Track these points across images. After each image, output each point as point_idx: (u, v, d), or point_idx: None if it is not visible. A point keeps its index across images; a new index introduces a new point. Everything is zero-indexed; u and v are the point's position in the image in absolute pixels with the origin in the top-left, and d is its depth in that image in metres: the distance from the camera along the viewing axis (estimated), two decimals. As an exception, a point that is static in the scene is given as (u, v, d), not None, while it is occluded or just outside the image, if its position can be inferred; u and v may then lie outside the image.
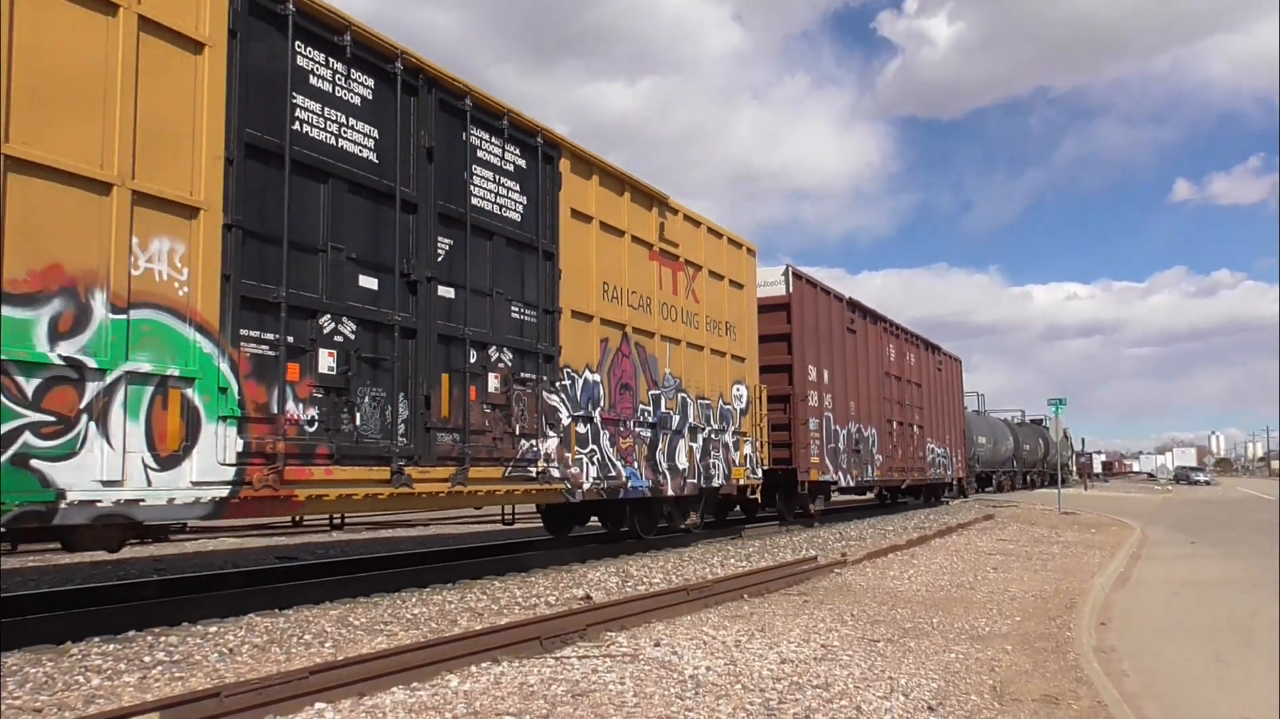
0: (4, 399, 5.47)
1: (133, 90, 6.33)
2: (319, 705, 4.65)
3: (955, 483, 29.17)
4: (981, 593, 9.47)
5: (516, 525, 18.73)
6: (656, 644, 6.33)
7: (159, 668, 5.56)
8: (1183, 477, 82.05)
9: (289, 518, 17.70)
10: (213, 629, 6.73)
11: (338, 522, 18.47)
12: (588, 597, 8.55)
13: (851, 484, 19.89)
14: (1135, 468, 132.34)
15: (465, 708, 4.69)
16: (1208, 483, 74.59)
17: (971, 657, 6.31)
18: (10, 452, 5.47)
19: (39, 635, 6.31)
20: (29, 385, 5.59)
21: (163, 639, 6.35)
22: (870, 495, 25.33)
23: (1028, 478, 44.98)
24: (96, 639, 6.37)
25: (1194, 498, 42.78)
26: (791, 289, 17.36)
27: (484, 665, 5.61)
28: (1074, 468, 65.20)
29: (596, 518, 13.96)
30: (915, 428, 24.61)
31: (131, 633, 6.61)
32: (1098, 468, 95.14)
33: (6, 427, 5.45)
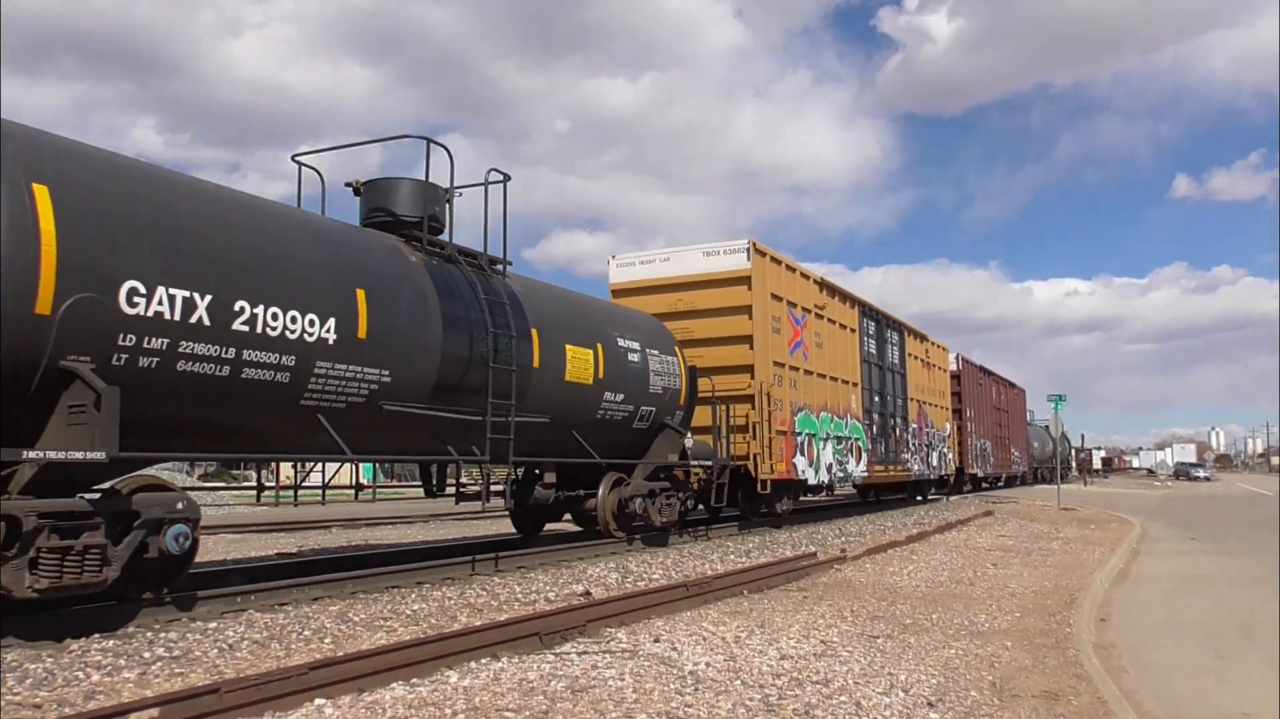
0: (824, 449, 17.68)
1: (838, 351, 18.94)
2: (319, 701, 4.64)
3: (1022, 475, 42.95)
4: (981, 589, 9.47)
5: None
6: (656, 640, 6.33)
7: (158, 664, 5.56)
8: (1182, 472, 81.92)
9: (293, 522, 19.06)
10: (212, 625, 6.73)
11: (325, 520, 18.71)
12: (587, 593, 8.55)
13: (981, 475, 34.43)
14: (1135, 464, 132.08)
15: (465, 704, 4.69)
16: (1207, 479, 74.45)
17: (971, 653, 6.31)
18: (843, 466, 18.70)
19: (39, 631, 6.31)
20: (837, 444, 18.44)
21: (162, 635, 6.35)
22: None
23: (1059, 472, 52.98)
24: (96, 635, 6.37)
25: (1194, 494, 42.78)
26: (961, 366, 31.69)
27: (484, 661, 5.61)
28: (1074, 464, 65.48)
29: (874, 492, 26.33)
30: (1006, 439, 38.97)
31: (131, 629, 6.61)
32: (1097, 464, 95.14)
33: (828, 452, 17.88)
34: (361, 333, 8.16)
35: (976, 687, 5.38)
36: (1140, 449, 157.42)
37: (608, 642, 6.28)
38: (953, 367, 30.22)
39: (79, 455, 6.04)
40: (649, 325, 13.39)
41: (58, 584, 6.04)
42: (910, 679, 5.44)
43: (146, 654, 5.76)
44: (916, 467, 24.13)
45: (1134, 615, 8.57)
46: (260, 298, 7.27)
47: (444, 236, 9.94)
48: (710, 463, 13.83)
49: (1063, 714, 4.98)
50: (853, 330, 19.88)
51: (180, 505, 6.85)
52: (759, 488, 14.98)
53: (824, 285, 18.47)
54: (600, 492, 11.98)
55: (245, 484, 28.72)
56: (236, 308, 7.09)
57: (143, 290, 6.47)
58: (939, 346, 27.84)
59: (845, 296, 19.80)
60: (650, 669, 5.49)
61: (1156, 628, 8.02)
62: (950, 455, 28.37)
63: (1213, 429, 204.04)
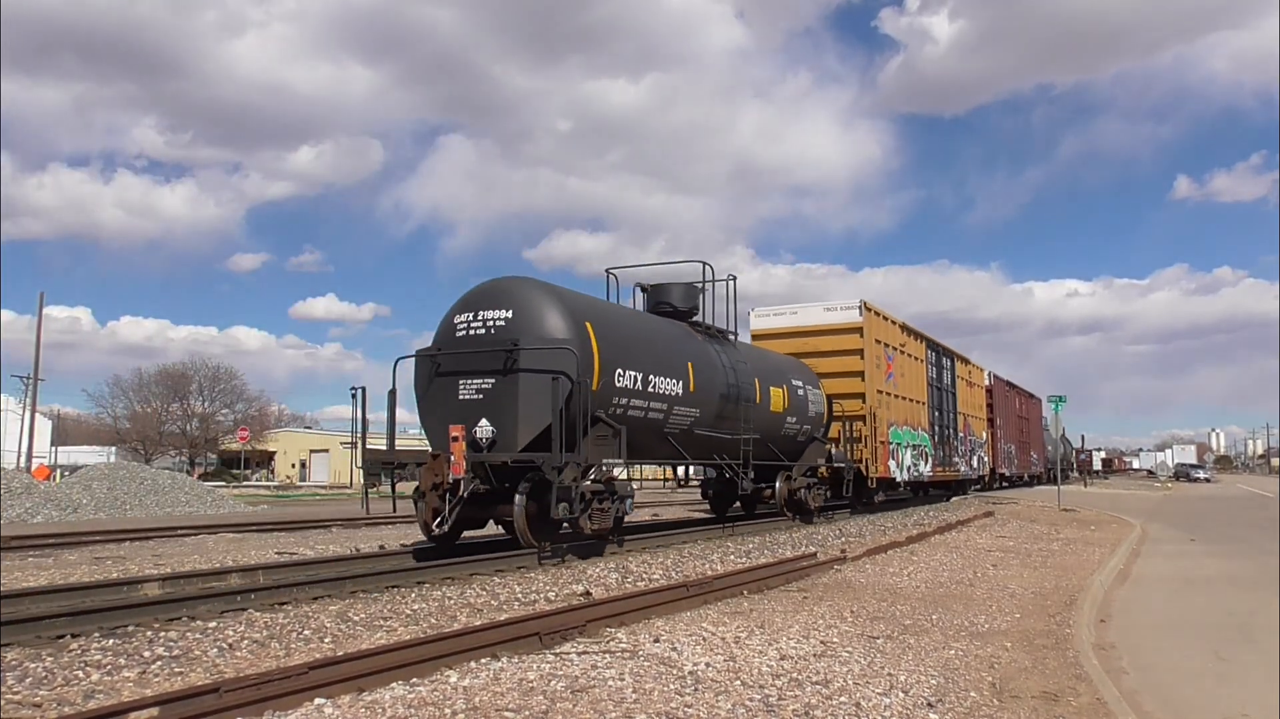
0: (905, 454, 23.13)
1: (912, 378, 24.30)
2: (318, 701, 4.64)
3: (1038, 475, 47.35)
4: (981, 590, 9.47)
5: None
6: (656, 640, 6.32)
7: (158, 663, 5.56)
8: (1182, 474, 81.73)
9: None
10: (212, 625, 6.73)
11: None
12: (587, 593, 8.55)
13: (1008, 474, 39.15)
14: (1135, 465, 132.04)
15: (465, 703, 4.68)
16: (1207, 480, 74.30)
17: (971, 653, 6.31)
18: (917, 467, 24.28)
19: (39, 630, 6.32)
20: (913, 450, 23.95)
21: (162, 634, 6.36)
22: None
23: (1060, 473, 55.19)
24: (96, 634, 6.37)
25: (1194, 495, 42.75)
26: (992, 383, 36.33)
27: (483, 661, 5.60)
28: (1074, 465, 65.53)
29: (919, 490, 28.39)
30: (1027, 443, 44.17)
31: (131, 628, 6.61)
32: (1097, 465, 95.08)
33: (907, 457, 23.31)
34: (691, 388, 13.75)
35: (976, 687, 5.38)
36: (1141, 450, 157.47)
37: (608, 642, 6.28)
38: (986, 383, 35.88)
39: (615, 462, 11.82)
40: (804, 368, 19.45)
41: (597, 528, 11.39)
42: (910, 680, 5.43)
43: (146, 653, 5.76)
44: (963, 468, 29.92)
45: (1134, 616, 8.57)
46: (658, 371, 12.90)
47: (703, 318, 15.40)
48: (843, 465, 19.70)
49: (1062, 715, 4.97)
50: (921, 360, 25.39)
51: (630, 488, 12.27)
52: (869, 484, 20.70)
53: (905, 328, 24.19)
54: (777, 484, 17.42)
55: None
56: (650, 378, 12.72)
57: (622, 373, 12.08)
58: (978, 368, 33.88)
59: (918, 335, 25.37)
60: (650, 669, 5.49)
61: (1156, 629, 8.02)
62: (986, 458, 34.13)
63: (1213, 430, 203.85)
